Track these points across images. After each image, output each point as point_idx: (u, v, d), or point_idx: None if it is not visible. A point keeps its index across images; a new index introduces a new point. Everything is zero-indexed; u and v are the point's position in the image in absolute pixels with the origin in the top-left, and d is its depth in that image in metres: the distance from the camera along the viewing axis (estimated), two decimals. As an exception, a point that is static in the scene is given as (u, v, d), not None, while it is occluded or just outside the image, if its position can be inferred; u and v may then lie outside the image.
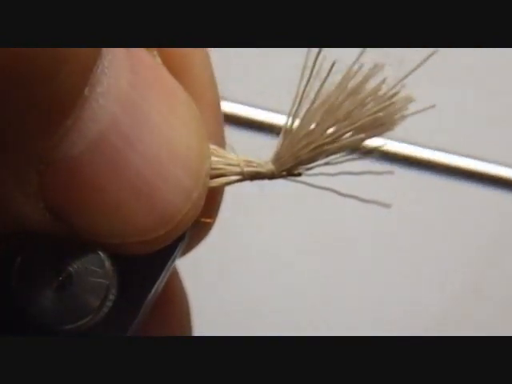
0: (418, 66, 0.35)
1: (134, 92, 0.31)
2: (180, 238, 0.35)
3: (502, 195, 0.76)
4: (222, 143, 0.38)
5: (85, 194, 0.31)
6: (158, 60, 0.35)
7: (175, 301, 0.41)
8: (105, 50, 0.31)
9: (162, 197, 0.32)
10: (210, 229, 0.40)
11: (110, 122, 0.31)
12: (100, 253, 0.33)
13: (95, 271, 0.33)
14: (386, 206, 0.37)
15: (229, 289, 0.71)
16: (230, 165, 0.36)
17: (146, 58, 0.33)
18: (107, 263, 0.33)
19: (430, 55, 0.35)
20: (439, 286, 0.74)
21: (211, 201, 0.36)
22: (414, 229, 0.75)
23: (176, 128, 0.33)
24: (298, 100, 0.35)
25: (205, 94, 0.37)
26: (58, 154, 0.30)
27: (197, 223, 0.36)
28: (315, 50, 0.35)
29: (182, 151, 0.32)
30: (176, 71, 0.35)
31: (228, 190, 0.38)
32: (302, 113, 0.35)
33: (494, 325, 0.73)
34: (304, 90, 0.35)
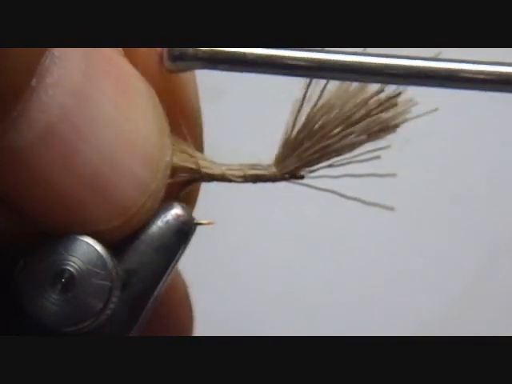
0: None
1: (87, 83, 0.31)
2: (182, 240, 0.35)
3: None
4: (200, 143, 0.37)
5: (34, 183, 0.31)
6: (118, 51, 0.34)
7: (179, 303, 0.41)
8: None
9: (115, 188, 0.32)
10: None
11: (60, 114, 0.30)
12: (103, 254, 0.33)
13: (98, 273, 0.33)
14: (390, 208, 0.37)
15: (228, 289, 0.72)
16: (232, 169, 0.36)
17: (104, 51, 0.32)
18: (110, 265, 0.33)
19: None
20: (439, 286, 0.74)
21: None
22: (414, 229, 0.75)
23: (132, 120, 0.32)
24: (300, 102, 0.35)
25: (185, 97, 0.37)
26: (4, 142, 0.30)
27: (198, 224, 0.36)
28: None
29: (138, 143, 0.32)
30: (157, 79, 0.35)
31: (229, 191, 0.38)
32: (304, 115, 0.35)
33: (494, 325, 0.73)
34: (306, 93, 0.35)
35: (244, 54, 0.33)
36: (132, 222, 0.33)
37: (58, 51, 0.30)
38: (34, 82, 0.30)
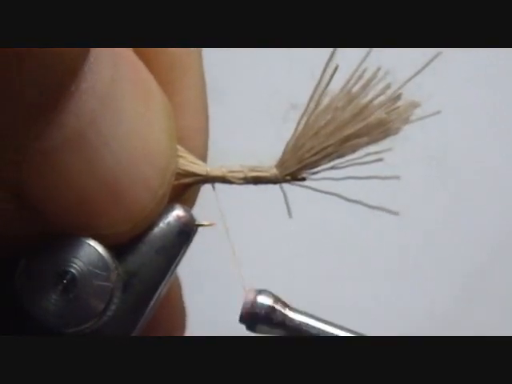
0: (422, 68, 0.35)
1: (114, 89, 0.32)
2: (184, 241, 0.35)
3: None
4: (203, 151, 0.38)
5: (57, 185, 0.31)
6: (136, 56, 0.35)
7: (173, 304, 0.41)
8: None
9: (129, 194, 0.32)
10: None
11: (89, 118, 0.31)
12: (104, 256, 0.33)
13: (99, 274, 0.33)
14: (394, 213, 0.37)
15: (228, 289, 0.71)
16: (233, 171, 0.36)
17: (128, 55, 0.33)
18: (111, 266, 0.33)
19: (434, 58, 0.35)
20: (439, 286, 0.74)
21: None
22: (414, 229, 0.75)
23: (149, 128, 0.33)
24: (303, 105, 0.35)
25: (192, 101, 0.37)
26: (36, 143, 0.30)
27: (199, 226, 0.36)
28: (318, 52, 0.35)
29: (152, 150, 0.33)
30: (164, 77, 0.35)
31: (229, 192, 0.38)
32: (306, 116, 0.35)
33: (494, 325, 0.73)
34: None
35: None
36: (139, 226, 0.34)
37: (92, 57, 0.31)
38: (73, 87, 0.30)
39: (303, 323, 0.37)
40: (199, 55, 0.38)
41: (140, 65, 0.34)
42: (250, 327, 0.36)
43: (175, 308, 0.42)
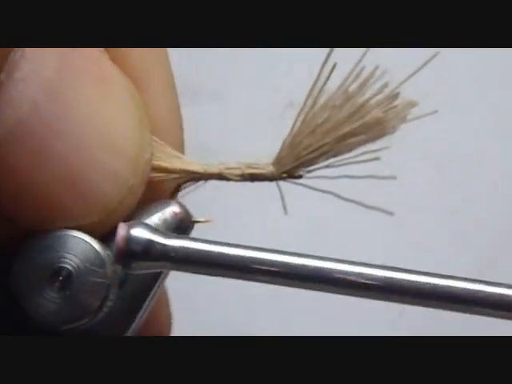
0: (420, 68, 0.35)
1: (60, 80, 0.31)
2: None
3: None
4: (180, 143, 0.37)
5: (6, 180, 0.31)
6: (99, 49, 0.34)
7: (158, 307, 0.41)
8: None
9: (92, 184, 0.32)
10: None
11: (31, 109, 0.30)
12: (100, 252, 0.33)
13: (95, 271, 0.33)
14: (389, 213, 0.37)
15: (228, 289, 0.71)
16: (230, 167, 0.36)
17: (83, 50, 0.32)
18: (107, 263, 0.33)
19: (432, 57, 0.35)
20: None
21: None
22: (413, 230, 0.75)
23: (109, 117, 0.32)
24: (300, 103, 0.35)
25: (164, 94, 0.37)
26: None
27: (195, 222, 0.36)
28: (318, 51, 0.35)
29: (116, 140, 0.32)
30: (134, 71, 0.35)
31: (227, 190, 0.38)
32: (303, 114, 0.35)
33: (494, 325, 0.73)
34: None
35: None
36: (112, 217, 0.33)
37: (29, 48, 0.30)
38: (2, 75, 0.29)
39: (193, 250, 0.32)
40: (165, 52, 0.37)
41: (97, 56, 0.33)
42: (126, 266, 0.32)
43: (161, 313, 0.41)
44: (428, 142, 0.72)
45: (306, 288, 0.33)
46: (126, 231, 0.32)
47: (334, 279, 0.32)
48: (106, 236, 0.33)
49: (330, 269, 0.33)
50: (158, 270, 0.34)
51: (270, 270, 0.33)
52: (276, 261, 0.32)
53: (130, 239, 0.32)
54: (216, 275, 0.33)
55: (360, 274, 0.33)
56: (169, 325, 0.42)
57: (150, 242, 0.32)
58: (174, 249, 0.32)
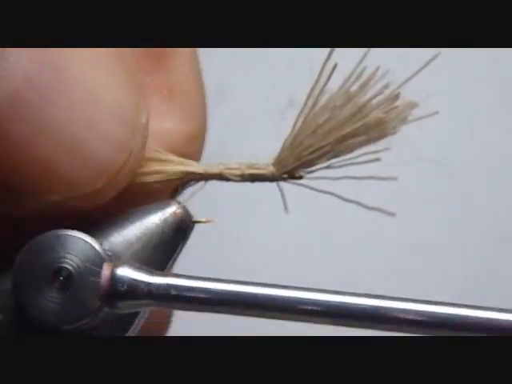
0: (421, 68, 0.35)
1: (50, 49, 0.31)
2: (181, 238, 0.35)
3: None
4: (203, 105, 0.37)
5: (8, 151, 0.31)
6: None
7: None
8: None
9: (92, 149, 0.32)
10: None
11: (24, 80, 0.30)
12: (101, 252, 0.33)
13: (96, 271, 0.33)
14: (391, 214, 0.37)
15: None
16: (230, 168, 0.36)
17: None
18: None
19: (433, 58, 0.35)
20: (439, 286, 0.74)
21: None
22: (414, 230, 0.75)
23: (101, 80, 0.32)
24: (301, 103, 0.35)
25: (185, 80, 0.37)
26: None
27: (196, 222, 0.36)
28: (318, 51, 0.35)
29: (110, 103, 0.32)
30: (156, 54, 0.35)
31: (228, 191, 0.38)
32: (303, 115, 0.35)
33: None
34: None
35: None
36: (115, 182, 0.33)
37: None
38: None
39: (179, 287, 0.32)
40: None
41: None
42: (112, 306, 0.32)
43: (159, 313, 0.41)
44: (428, 143, 0.72)
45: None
46: (109, 271, 0.32)
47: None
48: (107, 235, 0.34)
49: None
50: (146, 308, 0.34)
51: (253, 305, 0.32)
52: (258, 294, 0.32)
53: (114, 279, 0.32)
54: (203, 311, 0.33)
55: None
56: (167, 324, 0.42)
57: (135, 282, 0.32)
58: (159, 287, 0.32)
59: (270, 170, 0.36)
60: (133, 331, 0.34)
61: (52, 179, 0.32)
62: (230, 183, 0.37)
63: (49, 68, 0.31)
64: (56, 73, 0.31)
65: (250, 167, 0.36)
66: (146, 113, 0.34)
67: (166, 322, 0.42)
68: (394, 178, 0.36)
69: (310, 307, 0.32)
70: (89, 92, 0.32)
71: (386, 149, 0.35)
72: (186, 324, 0.43)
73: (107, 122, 0.32)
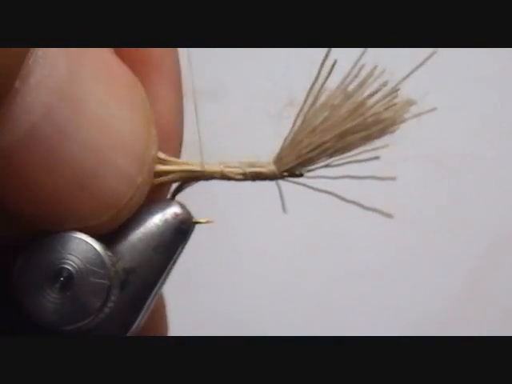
0: (418, 66, 0.35)
1: (71, 81, 0.31)
2: (181, 239, 0.35)
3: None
4: (180, 142, 0.37)
5: (20, 184, 0.31)
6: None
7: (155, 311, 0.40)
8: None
9: (103, 184, 0.32)
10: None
11: (44, 114, 0.30)
12: (101, 253, 0.33)
13: (96, 272, 0.33)
14: (388, 215, 0.37)
15: (228, 289, 0.72)
16: (231, 167, 0.36)
17: (92, 49, 0.32)
18: (108, 263, 0.33)
19: (430, 56, 0.35)
20: (439, 286, 0.74)
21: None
22: (413, 229, 0.75)
23: (119, 116, 0.32)
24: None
25: (166, 97, 0.37)
26: None
27: (197, 223, 0.36)
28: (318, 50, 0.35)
29: (124, 138, 0.32)
30: (137, 71, 0.34)
31: (228, 190, 0.38)
32: (303, 113, 0.35)
33: (494, 325, 0.73)
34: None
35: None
36: (120, 215, 0.33)
37: (41, 51, 0.30)
38: (17, 83, 0.29)
39: None
40: (175, 52, 0.37)
41: (106, 55, 0.33)
42: None
43: (157, 315, 0.41)
44: (428, 141, 0.72)
45: None
46: None
47: None
48: (108, 236, 0.34)
49: None
50: None
51: None
52: None
53: None
54: None
55: None
56: (165, 327, 0.42)
57: None
58: None
59: (271, 168, 0.36)
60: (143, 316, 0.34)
61: (61, 212, 0.32)
62: (228, 183, 0.36)
63: (69, 102, 0.31)
64: (75, 107, 0.31)
65: (250, 166, 0.36)
66: (155, 145, 0.34)
67: (163, 322, 0.42)
68: (393, 178, 0.36)
69: None
70: (105, 127, 0.32)
71: (385, 146, 0.35)
72: (185, 324, 0.43)
73: (119, 157, 0.32)
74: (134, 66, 0.34)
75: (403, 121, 0.35)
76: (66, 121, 0.31)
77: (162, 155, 0.35)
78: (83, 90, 0.31)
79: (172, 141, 0.37)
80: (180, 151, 0.38)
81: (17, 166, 0.30)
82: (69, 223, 0.32)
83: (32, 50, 0.30)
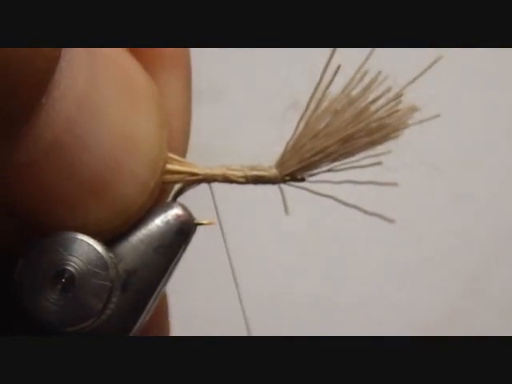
0: (422, 73, 0.35)
1: (91, 91, 0.31)
2: (183, 240, 0.35)
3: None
4: (185, 145, 0.38)
5: (39, 194, 0.31)
6: (123, 49, 0.34)
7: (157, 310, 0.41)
8: (63, 50, 0.30)
9: (119, 191, 0.32)
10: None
11: (65, 126, 0.30)
12: (103, 254, 0.33)
13: (98, 273, 0.33)
14: (390, 220, 0.37)
15: (229, 290, 0.71)
16: (233, 170, 0.36)
17: (109, 53, 0.33)
18: (110, 265, 0.33)
19: (434, 62, 0.35)
20: (439, 286, 0.74)
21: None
22: (414, 234, 0.75)
23: (135, 122, 0.33)
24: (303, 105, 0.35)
25: (174, 97, 0.37)
26: (12, 158, 0.30)
27: (198, 225, 0.36)
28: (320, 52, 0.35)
29: (140, 145, 0.33)
30: (147, 69, 0.35)
31: (229, 193, 0.38)
32: (307, 117, 0.35)
33: (494, 325, 0.73)
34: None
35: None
36: (132, 219, 0.34)
37: (64, 62, 0.30)
38: (44, 98, 0.30)
39: None
40: (187, 52, 0.38)
41: (122, 59, 0.33)
42: None
43: (160, 315, 0.41)
44: (430, 148, 0.72)
45: None
46: None
47: None
48: (109, 239, 0.34)
49: None
50: None
51: None
52: None
53: None
54: None
55: None
56: (168, 327, 0.42)
57: None
58: None
59: (273, 172, 0.36)
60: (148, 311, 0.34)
61: (74, 219, 0.32)
62: (230, 186, 0.37)
63: (89, 112, 0.31)
64: (95, 117, 0.31)
65: (252, 169, 0.36)
66: (166, 149, 0.34)
67: (166, 322, 0.42)
68: (395, 184, 0.36)
69: None
70: (122, 136, 0.32)
71: (388, 152, 0.35)
72: (185, 324, 0.43)
73: (135, 165, 0.33)
74: (145, 63, 0.34)
75: (406, 127, 0.35)
76: (87, 132, 0.31)
77: (169, 154, 0.35)
78: (101, 99, 0.31)
79: (179, 140, 0.37)
80: (186, 151, 0.38)
81: (39, 178, 0.31)
82: (82, 227, 0.33)
83: (56, 65, 0.30)
